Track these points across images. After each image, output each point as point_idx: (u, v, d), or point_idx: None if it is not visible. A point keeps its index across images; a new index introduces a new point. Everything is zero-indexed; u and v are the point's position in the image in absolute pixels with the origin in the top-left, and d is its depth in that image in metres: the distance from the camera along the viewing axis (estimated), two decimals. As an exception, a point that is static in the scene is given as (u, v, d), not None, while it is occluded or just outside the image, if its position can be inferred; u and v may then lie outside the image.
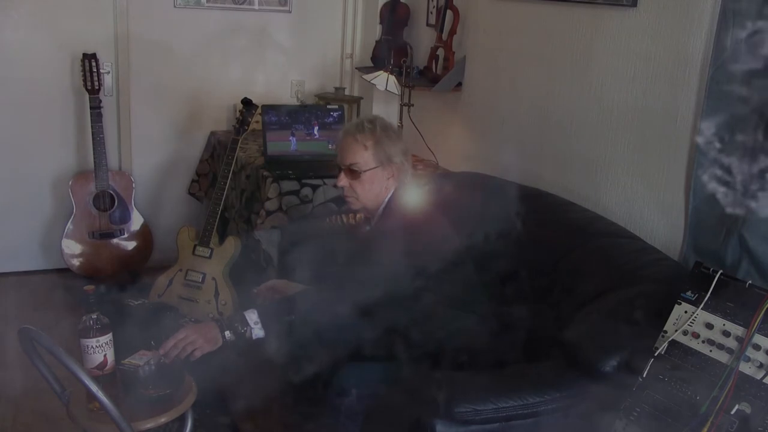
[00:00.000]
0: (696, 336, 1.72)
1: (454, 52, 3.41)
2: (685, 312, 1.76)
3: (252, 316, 2.04)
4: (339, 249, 2.42)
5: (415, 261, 2.06)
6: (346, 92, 4.08)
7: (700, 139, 2.04)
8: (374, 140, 2.21)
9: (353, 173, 2.22)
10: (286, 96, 4.06)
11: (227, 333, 2.02)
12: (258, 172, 3.16)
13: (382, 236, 2.21)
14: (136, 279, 3.71)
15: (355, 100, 3.99)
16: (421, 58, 3.68)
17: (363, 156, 2.21)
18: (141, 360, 1.99)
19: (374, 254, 2.13)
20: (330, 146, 3.38)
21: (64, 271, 3.71)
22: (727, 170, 1.93)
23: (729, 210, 1.94)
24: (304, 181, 3.06)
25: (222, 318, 2.09)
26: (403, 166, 2.25)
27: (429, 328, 2.06)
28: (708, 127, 2.00)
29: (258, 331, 2.04)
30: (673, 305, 1.78)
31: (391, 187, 2.26)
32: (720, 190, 1.95)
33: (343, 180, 2.24)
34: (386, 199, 2.25)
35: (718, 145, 1.94)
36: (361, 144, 2.21)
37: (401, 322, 2.02)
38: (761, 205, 1.86)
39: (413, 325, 2.03)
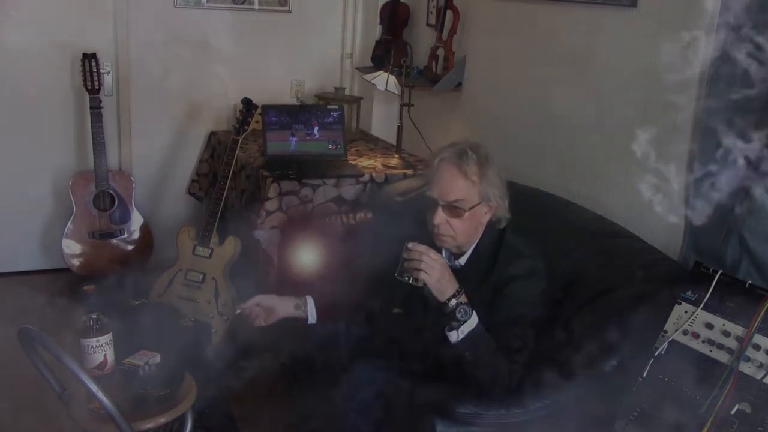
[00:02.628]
0: (696, 336, 1.72)
1: (454, 52, 3.41)
2: (685, 312, 1.76)
3: (310, 302, 2.19)
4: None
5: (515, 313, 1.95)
6: (346, 92, 4.08)
7: (700, 139, 2.04)
8: (480, 173, 1.97)
9: (455, 210, 1.96)
10: (286, 96, 4.06)
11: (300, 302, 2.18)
12: (258, 172, 3.16)
13: (475, 280, 1.99)
14: (136, 279, 3.71)
15: (355, 100, 3.98)
16: (421, 58, 3.68)
17: (469, 191, 1.96)
18: (141, 360, 2.00)
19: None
20: (330, 146, 3.37)
21: (64, 271, 3.71)
22: (728, 169, 1.93)
23: (729, 209, 1.94)
24: (304, 181, 3.06)
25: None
26: (503, 201, 2.03)
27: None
28: (708, 127, 2.00)
29: (312, 318, 2.18)
30: (673, 305, 1.78)
31: (485, 224, 2.04)
32: (720, 190, 1.95)
33: (440, 217, 1.96)
34: (479, 238, 2.04)
35: (718, 144, 1.94)
36: (468, 178, 1.95)
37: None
38: (761, 205, 1.86)
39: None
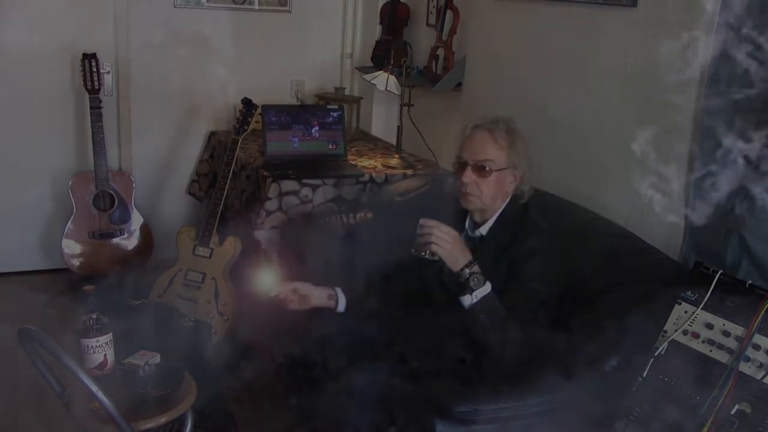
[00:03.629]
0: (696, 336, 1.72)
1: (454, 52, 3.41)
2: (685, 312, 1.76)
3: (339, 292, 2.24)
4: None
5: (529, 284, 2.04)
6: (346, 92, 4.08)
7: (700, 139, 2.04)
8: (510, 140, 2.13)
9: (482, 170, 2.10)
10: (286, 96, 4.06)
11: (333, 292, 2.22)
12: (258, 172, 3.16)
13: (495, 250, 2.11)
14: (136, 279, 3.71)
15: (355, 100, 3.99)
16: (421, 58, 3.68)
17: (497, 154, 2.11)
18: (141, 360, 2.00)
19: (486, 265, 2.05)
20: (330, 146, 3.37)
21: (64, 271, 3.71)
22: (728, 169, 1.93)
23: (729, 209, 1.94)
24: (304, 181, 3.06)
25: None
26: (526, 174, 2.16)
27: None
28: (708, 127, 2.00)
29: (341, 306, 2.22)
30: (673, 305, 1.78)
31: (510, 194, 2.17)
32: (720, 190, 1.95)
33: (469, 176, 2.10)
34: (502, 207, 2.16)
35: (718, 144, 1.94)
36: (497, 143, 2.11)
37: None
38: (761, 205, 1.86)
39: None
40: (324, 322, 2.23)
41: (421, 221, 2.01)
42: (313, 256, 2.67)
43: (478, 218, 2.18)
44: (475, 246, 2.13)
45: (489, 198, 2.12)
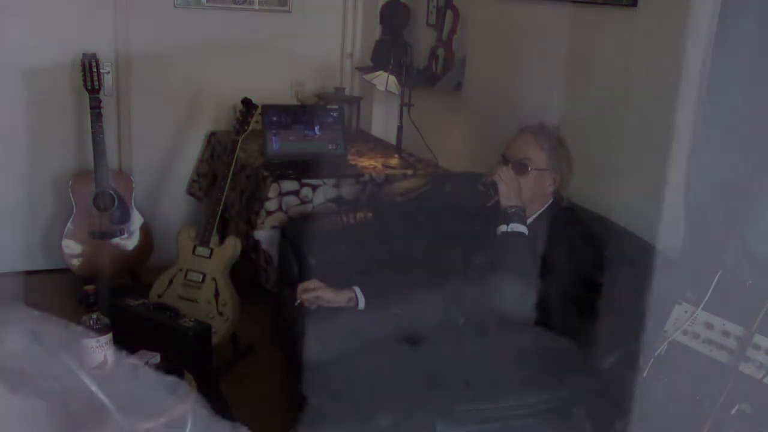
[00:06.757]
0: (696, 336, 1.72)
1: (454, 52, 3.41)
2: (685, 312, 1.76)
3: (358, 291, 2.23)
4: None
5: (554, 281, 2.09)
6: (346, 92, 4.08)
7: (700, 139, 2.04)
8: (551, 144, 2.25)
9: (522, 168, 2.23)
10: (286, 96, 4.06)
11: (352, 295, 2.20)
12: (258, 172, 3.16)
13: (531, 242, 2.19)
14: (136, 279, 3.71)
15: (355, 100, 3.98)
16: (421, 58, 3.68)
17: (538, 154, 2.24)
18: (141, 360, 2.00)
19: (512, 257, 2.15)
20: (330, 146, 3.37)
21: (64, 271, 3.71)
22: (728, 169, 1.93)
23: (729, 209, 1.94)
24: (304, 181, 3.06)
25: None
26: (567, 179, 2.29)
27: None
28: (708, 127, 2.00)
29: (361, 304, 2.22)
30: (673, 305, 1.78)
31: (548, 198, 2.29)
32: (720, 190, 1.95)
33: (507, 172, 2.24)
34: (543, 208, 2.28)
35: (718, 144, 1.94)
36: (539, 143, 2.25)
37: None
38: (761, 205, 1.86)
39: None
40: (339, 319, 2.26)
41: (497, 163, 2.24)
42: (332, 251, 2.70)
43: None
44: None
45: (526, 195, 2.22)
